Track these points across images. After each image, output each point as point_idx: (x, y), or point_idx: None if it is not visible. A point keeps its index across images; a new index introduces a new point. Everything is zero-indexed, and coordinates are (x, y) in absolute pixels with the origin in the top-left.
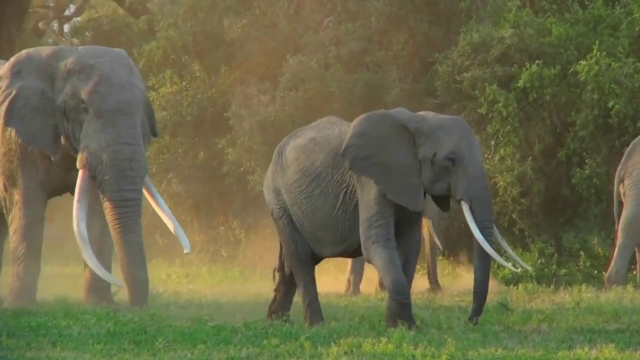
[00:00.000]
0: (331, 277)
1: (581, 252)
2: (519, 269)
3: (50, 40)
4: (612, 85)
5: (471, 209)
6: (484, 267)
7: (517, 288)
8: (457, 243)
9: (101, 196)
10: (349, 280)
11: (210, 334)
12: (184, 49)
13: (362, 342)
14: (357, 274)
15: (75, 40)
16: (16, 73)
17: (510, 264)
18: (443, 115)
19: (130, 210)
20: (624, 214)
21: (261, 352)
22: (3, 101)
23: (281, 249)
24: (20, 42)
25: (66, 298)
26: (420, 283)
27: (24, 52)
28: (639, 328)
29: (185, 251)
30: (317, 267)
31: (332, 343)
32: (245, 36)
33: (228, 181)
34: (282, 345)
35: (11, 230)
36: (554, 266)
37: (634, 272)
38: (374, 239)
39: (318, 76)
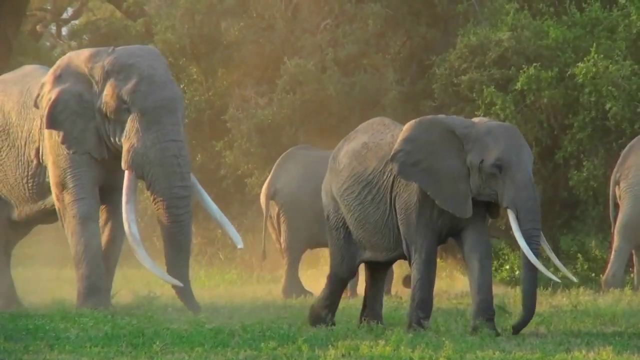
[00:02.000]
0: None
1: (579, 255)
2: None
3: (47, 44)
4: (610, 88)
5: (517, 218)
6: (530, 279)
7: (515, 291)
8: (454, 246)
9: (152, 196)
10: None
11: (207, 336)
12: (181, 52)
13: (360, 344)
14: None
15: (73, 43)
16: (57, 78)
17: (556, 273)
18: (493, 122)
19: (182, 211)
20: (620, 216)
21: (259, 355)
22: (45, 107)
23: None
24: (17, 44)
25: (63, 301)
26: None
27: (65, 56)
28: (636, 331)
29: (238, 246)
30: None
31: (330, 346)
32: (242, 39)
33: (225, 184)
34: (279, 348)
35: (68, 233)
36: (552, 269)
37: (632, 275)
38: (416, 248)
39: (315, 79)
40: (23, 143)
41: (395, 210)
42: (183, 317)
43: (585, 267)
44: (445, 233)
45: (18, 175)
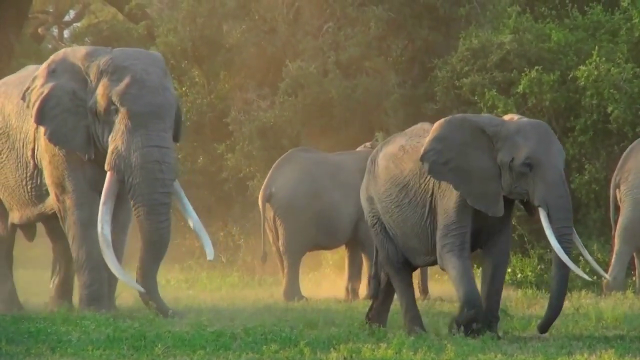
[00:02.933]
0: (330, 282)
1: (580, 258)
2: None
3: (49, 46)
4: (611, 91)
5: (549, 216)
6: (560, 277)
7: (517, 294)
8: None
9: (131, 201)
10: (347, 289)
11: (209, 339)
12: (183, 55)
13: (362, 347)
14: (354, 279)
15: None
16: (51, 72)
17: (585, 271)
18: (523, 119)
19: (163, 218)
20: (621, 219)
21: (260, 358)
22: (36, 100)
23: (376, 256)
24: (19, 47)
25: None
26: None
27: (61, 51)
28: (638, 334)
29: (208, 258)
30: (316, 273)
31: (332, 349)
32: (244, 42)
33: (227, 187)
34: (281, 351)
35: (69, 238)
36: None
37: (633, 278)
38: (448, 248)
39: (317, 82)
40: (21, 145)
41: (434, 214)
42: (185, 320)
43: (587, 270)
44: (481, 237)
45: (18, 177)
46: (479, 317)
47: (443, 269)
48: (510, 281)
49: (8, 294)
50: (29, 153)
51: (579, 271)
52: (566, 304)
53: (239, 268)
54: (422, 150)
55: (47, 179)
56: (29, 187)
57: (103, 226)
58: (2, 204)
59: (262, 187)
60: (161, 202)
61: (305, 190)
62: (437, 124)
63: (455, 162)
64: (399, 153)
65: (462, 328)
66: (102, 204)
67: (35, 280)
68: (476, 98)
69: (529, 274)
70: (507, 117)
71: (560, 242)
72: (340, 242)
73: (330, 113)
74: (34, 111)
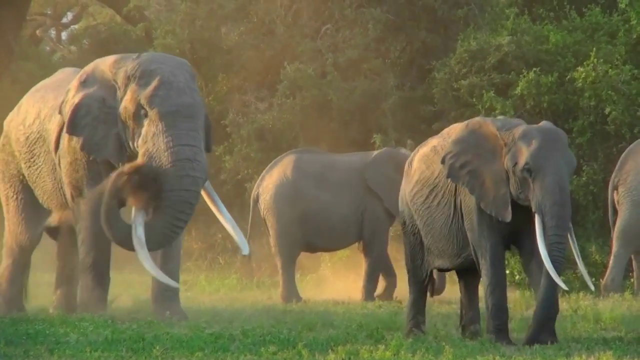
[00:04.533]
0: (329, 284)
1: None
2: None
3: (47, 48)
4: (609, 92)
5: (543, 223)
6: (546, 287)
7: (515, 295)
8: None
9: (161, 199)
10: (362, 288)
11: (207, 341)
12: (181, 57)
13: (360, 349)
14: (367, 280)
15: (72, 48)
16: (82, 83)
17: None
18: (535, 125)
19: (185, 217)
20: (619, 221)
21: None
22: (68, 111)
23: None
24: (18, 49)
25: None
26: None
27: (93, 62)
28: (636, 335)
29: (243, 253)
30: (315, 275)
31: (330, 350)
32: (242, 44)
33: (226, 188)
34: (279, 353)
35: (79, 240)
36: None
37: (631, 280)
38: (481, 252)
39: (315, 84)
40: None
41: (461, 215)
42: (183, 322)
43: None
44: (508, 237)
45: (54, 180)
46: (506, 326)
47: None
48: (508, 283)
49: (17, 294)
50: (55, 155)
51: (561, 283)
52: (564, 305)
53: (237, 270)
54: (442, 154)
55: (65, 178)
56: (63, 190)
57: (137, 227)
58: (38, 209)
59: (254, 188)
60: (188, 201)
61: (286, 191)
62: (458, 127)
63: (471, 165)
64: (431, 154)
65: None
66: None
67: (34, 283)
68: (474, 100)
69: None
70: (517, 121)
71: (550, 251)
72: (340, 244)
73: (328, 115)
74: (66, 122)
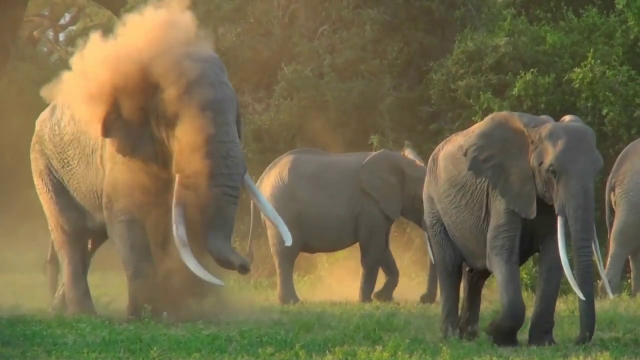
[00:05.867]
0: (325, 285)
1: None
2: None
3: (45, 49)
4: (607, 93)
5: (567, 226)
6: (587, 297)
7: None
8: None
9: (200, 197)
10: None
11: (205, 342)
12: None
13: (357, 350)
14: (364, 281)
15: (70, 49)
16: (115, 83)
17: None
18: (563, 123)
19: (228, 205)
20: (616, 222)
21: None
22: (101, 113)
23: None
24: (15, 50)
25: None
26: (418, 290)
27: None
28: (633, 336)
29: (287, 244)
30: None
31: (327, 351)
32: (239, 44)
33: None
34: (277, 354)
35: (116, 239)
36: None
37: (629, 281)
38: (497, 251)
39: (313, 84)
40: (91, 151)
41: (490, 216)
42: (180, 323)
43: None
44: (537, 240)
45: (89, 183)
46: (519, 327)
47: (491, 271)
48: None
49: (83, 295)
50: (98, 160)
51: (576, 287)
52: (562, 306)
53: (235, 271)
54: (465, 146)
55: (106, 186)
56: (98, 192)
57: (177, 227)
58: (79, 207)
59: None
60: (225, 193)
61: (282, 192)
62: (484, 120)
63: (495, 159)
64: (457, 153)
65: (495, 333)
66: (174, 206)
67: (31, 284)
68: (471, 101)
69: (524, 276)
70: (544, 118)
71: (579, 255)
72: (337, 245)
73: (325, 116)
74: (100, 125)
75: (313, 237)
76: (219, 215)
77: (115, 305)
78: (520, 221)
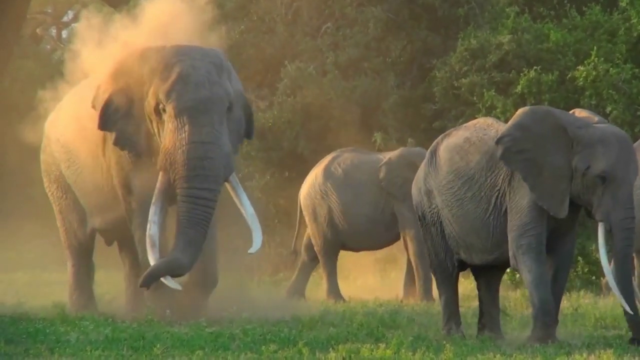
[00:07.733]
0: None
1: (579, 258)
2: None
3: (48, 47)
4: (610, 91)
5: (611, 234)
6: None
7: (516, 294)
8: None
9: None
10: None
11: (208, 340)
12: None
13: (361, 347)
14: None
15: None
16: (112, 77)
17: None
18: (608, 128)
19: (197, 208)
20: None
21: (259, 358)
22: (99, 107)
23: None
24: (18, 48)
25: (64, 304)
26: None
27: (122, 56)
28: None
29: (250, 251)
30: (315, 274)
31: (331, 349)
32: (243, 42)
33: (226, 187)
34: (280, 351)
35: (135, 239)
36: None
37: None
38: (524, 249)
39: (316, 82)
40: (96, 147)
41: (499, 211)
42: (183, 321)
43: (586, 270)
44: (551, 238)
45: (95, 180)
46: (554, 322)
47: (516, 270)
48: (509, 281)
49: (87, 300)
50: (101, 153)
51: (621, 299)
52: (565, 303)
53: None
54: (499, 134)
55: (114, 179)
56: (105, 190)
57: (151, 226)
58: (83, 210)
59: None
60: (198, 196)
61: (315, 191)
62: (520, 111)
63: (530, 153)
64: (465, 145)
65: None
66: (152, 204)
67: (34, 282)
68: (475, 98)
69: None
70: (586, 119)
71: (623, 262)
72: (370, 244)
73: (329, 114)
74: (97, 118)
75: (345, 236)
76: (183, 218)
77: (118, 303)
78: (545, 218)
